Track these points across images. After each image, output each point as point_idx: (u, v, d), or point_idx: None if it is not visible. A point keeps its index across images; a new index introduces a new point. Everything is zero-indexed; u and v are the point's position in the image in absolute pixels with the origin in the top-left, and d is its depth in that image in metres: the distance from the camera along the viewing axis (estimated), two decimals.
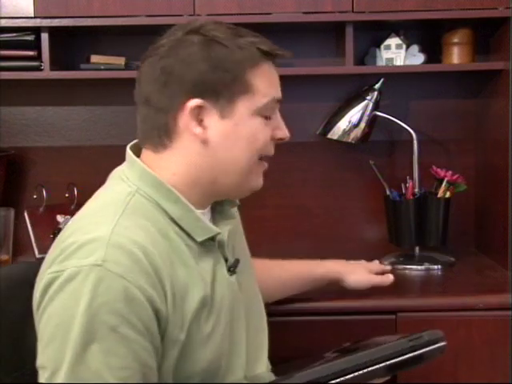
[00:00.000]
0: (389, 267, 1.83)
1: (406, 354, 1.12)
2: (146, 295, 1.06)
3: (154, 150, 1.21)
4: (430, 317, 1.77)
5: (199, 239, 1.19)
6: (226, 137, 1.19)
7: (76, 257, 1.07)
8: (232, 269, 1.25)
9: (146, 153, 1.23)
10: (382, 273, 1.78)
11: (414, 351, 1.13)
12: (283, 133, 1.25)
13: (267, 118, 1.22)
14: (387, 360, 1.11)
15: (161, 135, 1.20)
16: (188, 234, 1.19)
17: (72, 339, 1.03)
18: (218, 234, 1.22)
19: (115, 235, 1.08)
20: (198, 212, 1.20)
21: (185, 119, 1.18)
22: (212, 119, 1.18)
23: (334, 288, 1.72)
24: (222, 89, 1.17)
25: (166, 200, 1.18)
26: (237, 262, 1.26)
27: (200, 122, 1.18)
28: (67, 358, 1.03)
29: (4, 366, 1.26)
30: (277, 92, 1.23)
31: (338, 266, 1.74)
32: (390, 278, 1.75)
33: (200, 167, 1.20)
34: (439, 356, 1.16)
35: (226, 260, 1.25)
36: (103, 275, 1.04)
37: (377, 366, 1.09)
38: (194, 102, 1.16)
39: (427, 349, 1.14)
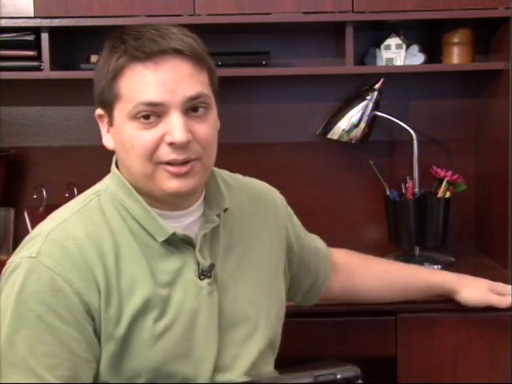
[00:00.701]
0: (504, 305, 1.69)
1: None
2: (73, 288, 1.13)
3: None
4: (430, 317, 1.78)
5: (160, 239, 1.21)
6: (115, 144, 1.23)
7: (23, 249, 1.17)
8: (205, 273, 1.24)
9: None
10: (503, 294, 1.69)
11: None
12: (171, 137, 1.15)
13: (149, 122, 1.16)
14: None
15: None
16: (149, 234, 1.21)
17: (5, 324, 1.12)
18: (183, 235, 1.22)
19: (56, 230, 1.17)
20: (154, 213, 1.21)
21: (100, 128, 1.26)
22: (109, 127, 1.23)
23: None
24: (103, 99, 1.20)
25: (129, 199, 1.22)
26: (211, 266, 1.25)
27: (109, 130, 1.24)
28: (1, 343, 1.12)
29: None
30: (143, 95, 1.15)
31: (457, 277, 1.70)
32: (508, 300, 1.66)
33: (122, 173, 1.25)
34: None
35: (199, 264, 1.24)
36: (34, 267, 1.13)
37: None
38: (97, 112, 1.25)
39: None
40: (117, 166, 1.27)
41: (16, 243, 2.14)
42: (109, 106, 1.20)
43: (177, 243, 1.22)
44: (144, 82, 1.15)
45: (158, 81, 1.15)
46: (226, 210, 1.30)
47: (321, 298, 1.58)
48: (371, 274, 1.65)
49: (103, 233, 1.19)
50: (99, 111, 1.24)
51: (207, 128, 1.20)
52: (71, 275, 1.13)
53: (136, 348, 1.17)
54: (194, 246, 1.24)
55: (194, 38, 1.20)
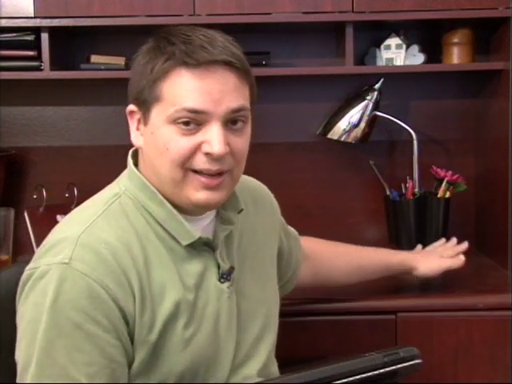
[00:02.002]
0: (463, 246, 1.85)
1: (380, 368, 1.11)
2: (110, 294, 1.10)
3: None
4: (430, 317, 1.78)
5: (184, 243, 1.19)
6: (147, 144, 1.20)
7: (48, 255, 1.12)
8: (225, 276, 1.23)
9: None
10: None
11: (389, 366, 1.12)
12: (209, 147, 1.14)
13: (189, 128, 1.15)
14: (362, 373, 1.09)
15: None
16: (173, 237, 1.19)
17: (40, 335, 1.07)
18: (206, 238, 1.21)
19: (85, 235, 1.13)
20: (180, 216, 1.20)
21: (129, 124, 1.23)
22: (142, 126, 1.21)
23: (334, 287, 1.72)
24: (140, 97, 1.18)
25: (152, 202, 1.20)
26: (231, 269, 1.25)
27: (138, 128, 1.22)
28: (36, 353, 1.07)
29: (7, 363, 1.27)
30: (187, 101, 1.14)
31: (412, 255, 1.81)
32: (461, 259, 1.80)
33: (146, 173, 1.22)
34: (413, 373, 1.15)
35: (219, 267, 1.24)
36: (68, 273, 1.09)
37: (351, 379, 1.08)
38: (129, 108, 1.22)
39: (401, 365, 1.13)
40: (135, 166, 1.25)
41: (16, 243, 2.16)
42: (146, 106, 1.18)
43: (198, 246, 1.21)
44: (189, 88, 1.14)
45: (204, 89, 1.14)
46: (240, 211, 1.29)
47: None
48: (338, 260, 1.70)
49: (131, 237, 1.16)
50: (132, 107, 1.21)
51: (243, 142, 1.20)
52: (107, 281, 1.10)
53: (166, 353, 1.16)
54: (213, 248, 1.23)
55: (239, 48, 1.20)
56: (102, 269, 1.10)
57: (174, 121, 1.14)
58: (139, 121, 1.21)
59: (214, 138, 1.14)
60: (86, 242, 1.12)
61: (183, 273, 1.19)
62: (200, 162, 1.16)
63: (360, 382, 1.09)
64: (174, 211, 1.20)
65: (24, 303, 1.12)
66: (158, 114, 1.16)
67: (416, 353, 1.15)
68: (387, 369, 1.11)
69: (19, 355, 1.11)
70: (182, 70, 1.14)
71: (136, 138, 1.22)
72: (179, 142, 1.15)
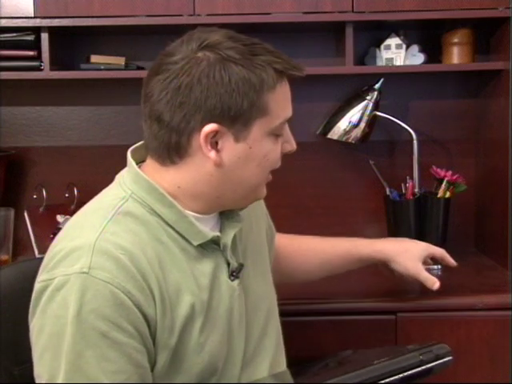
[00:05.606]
0: (453, 263, 1.71)
1: (416, 367, 1.15)
2: (133, 300, 1.08)
3: (161, 163, 1.19)
4: (430, 317, 1.78)
5: (195, 243, 1.19)
6: (238, 159, 1.17)
7: (63, 265, 1.09)
8: (235, 274, 1.24)
9: (151, 161, 1.22)
10: (442, 259, 1.72)
11: (425, 365, 1.16)
12: (291, 146, 1.24)
13: (278, 135, 1.20)
14: (401, 372, 1.13)
15: (171, 153, 1.17)
16: (184, 238, 1.19)
17: (65, 348, 1.05)
18: (217, 237, 1.21)
19: (100, 241, 1.10)
20: (192, 216, 1.19)
21: (199, 142, 1.14)
22: (227, 143, 1.15)
23: (334, 288, 1.72)
24: (238, 114, 1.13)
25: (161, 204, 1.18)
26: (240, 266, 1.25)
27: (214, 145, 1.15)
28: (63, 367, 1.04)
29: (6, 361, 1.28)
30: (289, 111, 1.21)
31: (388, 248, 1.67)
32: (436, 284, 1.66)
33: (208, 185, 1.18)
34: (445, 369, 1.19)
35: (229, 264, 1.24)
36: (90, 282, 1.06)
37: (392, 378, 1.12)
38: (210, 127, 1.13)
39: (436, 363, 1.17)
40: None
41: (16, 243, 2.16)
42: (242, 122, 1.14)
43: (208, 245, 1.21)
44: (287, 99, 1.20)
45: (290, 96, 1.21)
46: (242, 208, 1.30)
47: None
48: (299, 257, 1.66)
49: (143, 240, 1.14)
50: (215, 127, 1.13)
51: None
52: (129, 287, 1.07)
53: (186, 356, 1.15)
54: (223, 247, 1.23)
55: None
56: (122, 275, 1.08)
57: (276, 131, 1.19)
58: (216, 138, 1.14)
59: (291, 137, 1.24)
60: (103, 248, 1.09)
61: (197, 273, 1.18)
62: (280, 162, 1.25)
63: (401, 380, 1.13)
64: (184, 212, 1.18)
65: (41, 317, 1.09)
66: (260, 127, 1.15)
67: (448, 350, 1.19)
68: (423, 367, 1.16)
69: (42, 370, 1.08)
70: (283, 82, 1.17)
71: (217, 155, 1.15)
72: (276, 150, 1.21)
